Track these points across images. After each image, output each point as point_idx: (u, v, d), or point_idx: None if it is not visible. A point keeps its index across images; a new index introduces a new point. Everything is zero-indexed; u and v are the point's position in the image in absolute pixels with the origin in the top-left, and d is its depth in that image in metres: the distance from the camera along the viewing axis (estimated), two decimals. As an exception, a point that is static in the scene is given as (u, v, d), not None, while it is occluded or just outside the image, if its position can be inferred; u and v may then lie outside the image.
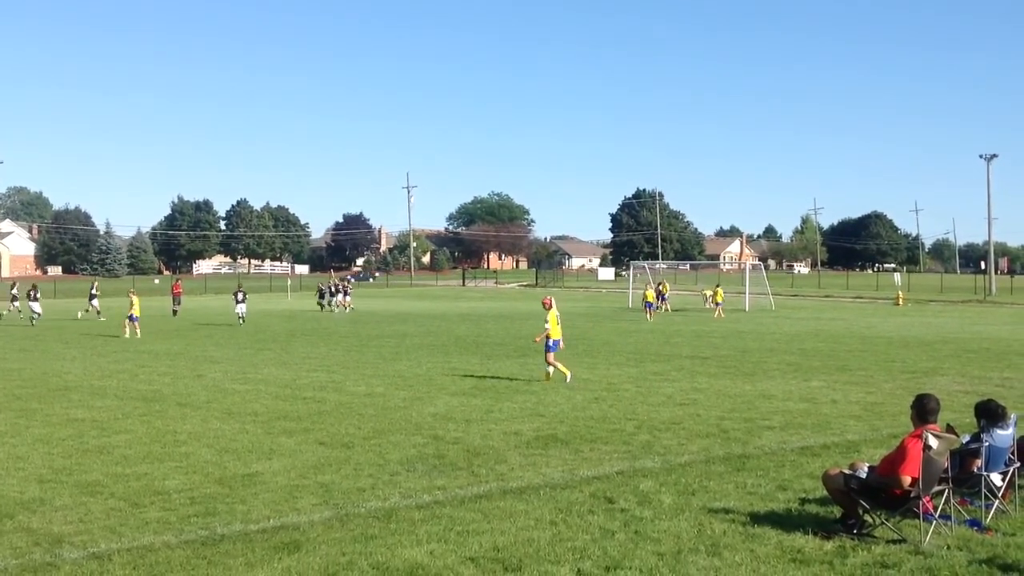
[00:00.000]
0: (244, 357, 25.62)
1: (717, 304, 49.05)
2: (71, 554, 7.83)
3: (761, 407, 15.99)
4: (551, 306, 20.28)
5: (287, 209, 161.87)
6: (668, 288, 56.27)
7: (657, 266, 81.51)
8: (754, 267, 71.04)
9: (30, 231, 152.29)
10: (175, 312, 49.03)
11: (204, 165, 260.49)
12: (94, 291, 46.61)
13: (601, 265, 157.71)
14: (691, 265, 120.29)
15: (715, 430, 13.69)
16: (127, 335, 33.18)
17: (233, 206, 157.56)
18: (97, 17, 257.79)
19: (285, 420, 14.74)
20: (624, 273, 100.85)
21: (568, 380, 19.11)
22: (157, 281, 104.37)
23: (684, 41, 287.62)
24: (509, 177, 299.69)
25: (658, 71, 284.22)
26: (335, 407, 16.10)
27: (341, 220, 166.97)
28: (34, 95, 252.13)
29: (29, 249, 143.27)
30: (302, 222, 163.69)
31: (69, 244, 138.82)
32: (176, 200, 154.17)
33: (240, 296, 42.86)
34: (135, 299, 34.69)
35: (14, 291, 47.20)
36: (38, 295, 43.64)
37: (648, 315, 45.96)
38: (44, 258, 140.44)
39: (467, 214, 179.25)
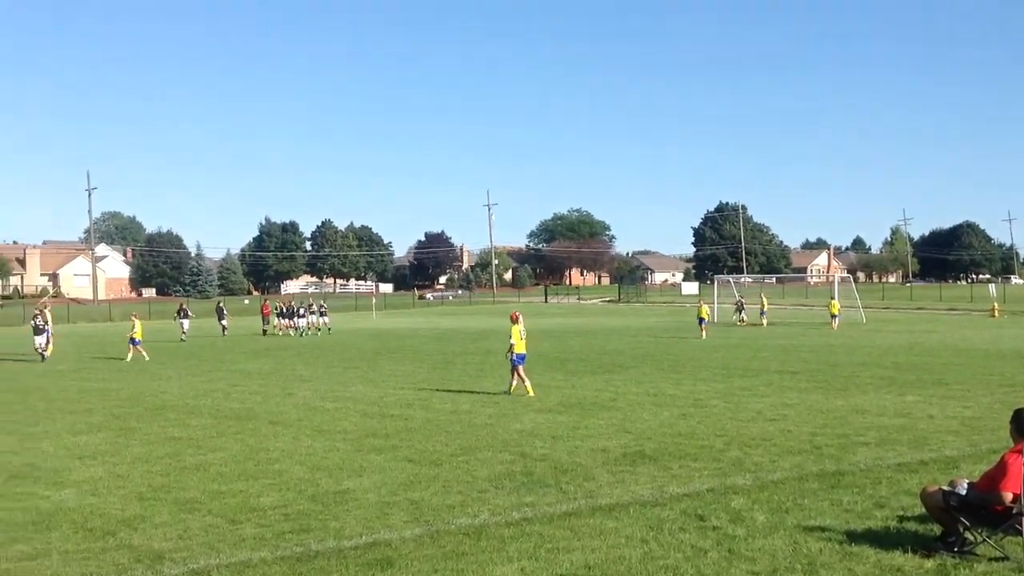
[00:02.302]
0: (332, 376, 25.99)
1: (833, 316, 48.41)
2: (171, 570, 8.01)
3: (855, 422, 15.68)
4: (517, 321, 20.55)
5: (370, 229, 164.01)
6: (767, 303, 54.98)
7: (742, 280, 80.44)
8: (843, 279, 69.72)
9: (125, 254, 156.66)
10: (264, 332, 50.06)
11: (290, 187, 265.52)
12: (186, 310, 48.00)
13: (684, 279, 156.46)
14: (777, 278, 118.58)
15: (808, 446, 13.45)
16: (129, 358, 33.54)
17: (318, 227, 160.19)
18: (186, 48, 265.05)
19: (374, 438, 14.90)
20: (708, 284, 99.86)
21: (531, 393, 19.83)
22: (247, 301, 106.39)
23: (765, 51, 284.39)
24: (589, 193, 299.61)
25: (740, 82, 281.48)
26: (422, 424, 16.22)
27: (423, 238, 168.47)
28: (126, 124, 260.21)
29: (124, 272, 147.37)
30: (385, 241, 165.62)
31: (162, 267, 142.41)
32: (264, 222, 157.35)
33: (184, 312, 43.96)
34: (137, 323, 35.43)
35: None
36: (189, 313, 47.18)
37: (702, 332, 42.82)
38: (138, 280, 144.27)
39: (548, 231, 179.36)
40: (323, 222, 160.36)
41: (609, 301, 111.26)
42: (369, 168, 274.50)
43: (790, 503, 9.96)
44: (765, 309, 53.54)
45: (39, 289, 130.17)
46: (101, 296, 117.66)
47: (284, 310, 52.82)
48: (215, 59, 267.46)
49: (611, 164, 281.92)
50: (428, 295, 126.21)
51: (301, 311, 51.64)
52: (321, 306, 54.00)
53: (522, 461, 12.67)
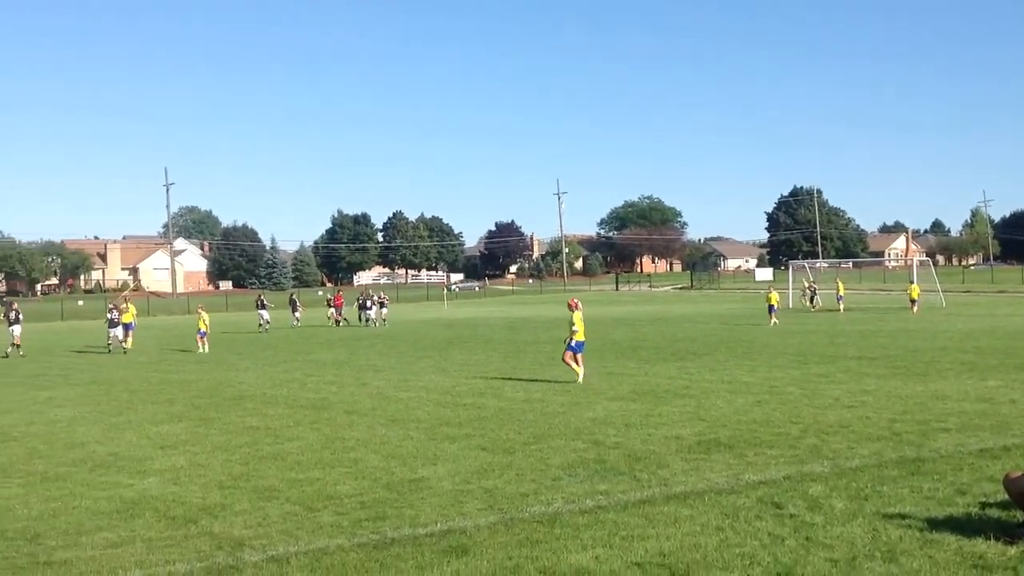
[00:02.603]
0: (405, 365, 26.20)
1: (913, 301, 47.50)
2: (251, 557, 8.16)
3: (935, 408, 15.34)
4: (578, 307, 20.60)
5: (441, 219, 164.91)
6: (844, 287, 53.91)
7: (817, 265, 79.13)
8: (921, 263, 68.20)
9: (202, 248, 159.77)
10: (338, 322, 50.63)
11: (362, 180, 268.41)
12: (265, 301, 48.83)
13: (758, 265, 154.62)
14: (854, 263, 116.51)
15: (886, 433, 13.20)
16: (200, 350, 34.19)
17: (390, 218, 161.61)
18: (260, 45, 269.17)
19: (447, 426, 15.00)
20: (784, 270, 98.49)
21: (579, 380, 19.88)
22: (320, 292, 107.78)
23: (837, 34, 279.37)
24: (659, 180, 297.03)
25: (812, 65, 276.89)
26: (495, 413, 16.28)
27: (494, 228, 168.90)
28: (202, 120, 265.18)
29: (201, 265, 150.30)
30: (456, 231, 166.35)
31: (238, 259, 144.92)
32: (336, 214, 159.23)
33: (263, 303, 44.43)
34: (204, 315, 36.02)
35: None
36: (268, 304, 47.99)
37: (771, 319, 41.26)
38: (215, 273, 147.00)
39: (618, 218, 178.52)
40: (394, 213, 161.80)
41: (681, 288, 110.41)
42: (440, 159, 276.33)
43: (869, 490, 9.79)
44: (842, 294, 52.50)
45: (120, 283, 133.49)
46: (180, 289, 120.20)
47: (330, 301, 53.54)
48: (287, 55, 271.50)
49: (682, 150, 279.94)
50: (454, 287, 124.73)
51: (368, 303, 51.61)
52: (382, 297, 53.24)
53: (595, 449, 12.65)
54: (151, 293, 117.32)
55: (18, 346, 35.46)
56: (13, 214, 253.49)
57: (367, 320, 50.54)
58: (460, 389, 19.89)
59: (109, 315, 37.42)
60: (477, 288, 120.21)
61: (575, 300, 21.28)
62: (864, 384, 18.74)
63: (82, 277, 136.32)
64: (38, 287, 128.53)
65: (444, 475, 11.31)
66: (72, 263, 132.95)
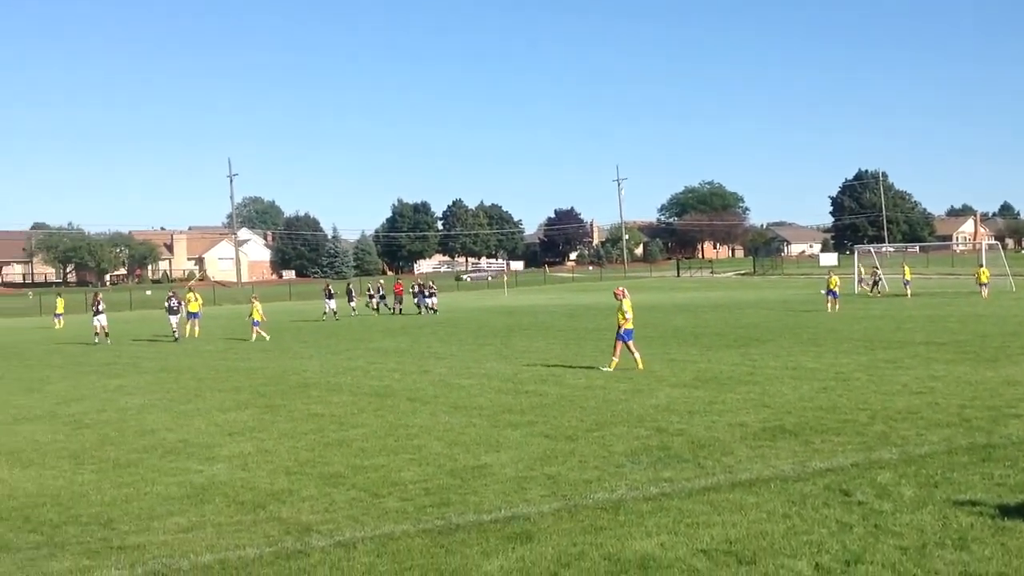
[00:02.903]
0: (466, 352, 26.30)
1: (982, 285, 46.53)
2: (319, 542, 8.26)
3: (1006, 394, 15.02)
4: (627, 296, 20.58)
5: (500, 207, 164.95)
6: (910, 272, 52.87)
7: (883, 249, 77.76)
8: (990, 246, 66.78)
9: (265, 238, 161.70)
10: (399, 311, 50.98)
11: (421, 169, 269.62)
12: (332, 291, 49.49)
13: (822, 250, 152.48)
14: (920, 247, 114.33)
15: (956, 419, 12.96)
16: (256, 339, 34.55)
17: (449, 206, 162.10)
18: (320, 37, 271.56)
19: (509, 413, 15.03)
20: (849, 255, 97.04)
21: (609, 369, 19.89)
22: (382, 281, 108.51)
23: (902, 16, 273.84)
24: (721, 165, 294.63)
25: (876, 47, 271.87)
26: (557, 400, 16.28)
27: (553, 215, 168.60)
28: (264, 111, 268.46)
29: (265, 255, 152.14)
30: (515, 219, 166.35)
31: (300, 249, 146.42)
32: (396, 203, 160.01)
33: (329, 293, 42.49)
34: (258, 305, 36.30)
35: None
36: (333, 293, 48.69)
37: (829, 305, 40.00)
38: (279, 263, 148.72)
39: (679, 204, 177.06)
40: (454, 202, 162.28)
41: (744, 274, 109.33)
42: (498, 147, 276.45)
43: (939, 477, 9.63)
44: (908, 279, 51.54)
45: (186, 273, 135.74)
46: (244, 279, 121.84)
47: (368, 290, 54.25)
48: (349, 45, 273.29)
49: (744, 135, 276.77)
50: (466, 277, 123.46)
51: (426, 291, 51.74)
52: (431, 287, 52.65)
53: (658, 436, 12.59)
54: (216, 282, 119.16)
55: (107, 334, 36.73)
56: (83, 206, 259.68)
57: (424, 308, 50.91)
58: (522, 376, 19.92)
59: (168, 303, 38.23)
60: (490, 279, 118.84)
61: (622, 289, 21.25)
62: (933, 370, 18.41)
63: (149, 267, 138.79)
64: (107, 277, 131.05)
65: (507, 462, 11.35)
66: (140, 254, 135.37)
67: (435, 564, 7.50)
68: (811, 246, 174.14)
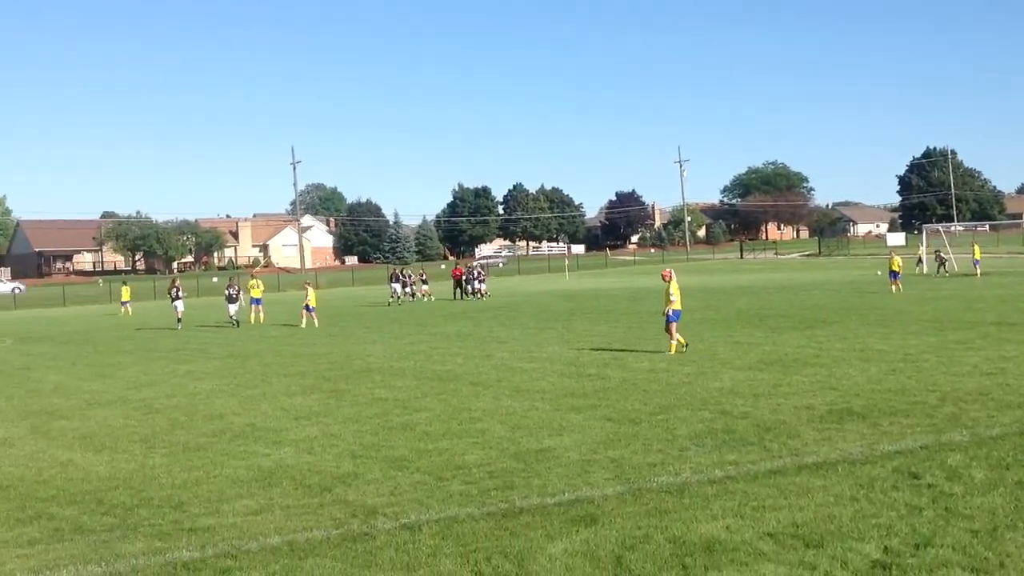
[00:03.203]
0: (528, 337, 26.32)
1: None
2: (385, 524, 8.33)
3: (1082, 376, 14.64)
4: (672, 277, 20.59)
5: (561, 191, 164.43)
6: (980, 251, 51.68)
7: (952, 228, 76.21)
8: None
9: (328, 224, 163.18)
10: (456, 296, 51.19)
11: (482, 153, 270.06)
12: (399, 276, 50.24)
13: (889, 230, 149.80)
14: (991, 226, 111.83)
15: (1029, 401, 12.67)
16: (306, 324, 34.80)
17: (510, 191, 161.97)
18: (380, 24, 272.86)
19: (572, 397, 15.01)
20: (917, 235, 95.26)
21: (672, 352, 19.93)
22: (443, 266, 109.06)
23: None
24: (785, 145, 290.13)
25: (943, 21, 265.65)
26: (619, 383, 16.22)
27: (614, 198, 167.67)
28: (326, 98, 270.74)
29: (328, 241, 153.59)
30: (576, 202, 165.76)
31: (363, 235, 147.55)
32: (457, 188, 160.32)
33: (176, 293, 39.57)
34: (311, 290, 36.55)
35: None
36: (400, 277, 49.79)
37: (893, 287, 39.11)
38: (341, 249, 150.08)
39: (742, 185, 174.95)
40: (514, 186, 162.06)
41: (808, 255, 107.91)
42: (559, 130, 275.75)
43: (1011, 459, 9.42)
44: (978, 258, 50.45)
45: (251, 260, 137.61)
46: (308, 265, 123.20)
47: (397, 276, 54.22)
48: (409, 32, 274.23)
49: (808, 113, 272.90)
50: (475, 265, 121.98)
51: (478, 275, 52.17)
52: (480, 273, 53.53)
53: (723, 419, 12.49)
54: (280, 269, 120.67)
55: (179, 320, 38.02)
56: (151, 195, 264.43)
57: (474, 293, 51.28)
58: (584, 360, 19.88)
59: (228, 291, 38.95)
60: (501, 264, 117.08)
61: (669, 270, 21.26)
62: (1004, 350, 18.01)
63: (215, 254, 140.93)
64: (174, 265, 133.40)
65: (570, 445, 11.34)
66: (206, 241, 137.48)
67: (500, 547, 7.52)
68: (877, 226, 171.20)
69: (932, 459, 9.63)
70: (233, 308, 37.78)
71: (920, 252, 54.58)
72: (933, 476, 8.95)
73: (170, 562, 7.57)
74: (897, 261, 40.75)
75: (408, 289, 50.96)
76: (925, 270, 53.63)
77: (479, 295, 51.02)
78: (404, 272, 52.93)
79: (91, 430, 14.26)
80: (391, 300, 48.23)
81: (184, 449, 12.42)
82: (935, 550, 6.92)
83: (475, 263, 57.18)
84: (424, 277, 54.65)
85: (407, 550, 7.58)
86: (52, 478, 11.07)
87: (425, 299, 51.43)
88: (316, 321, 35.20)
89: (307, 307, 35.81)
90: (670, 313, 20.31)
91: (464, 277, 52.77)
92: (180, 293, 39.15)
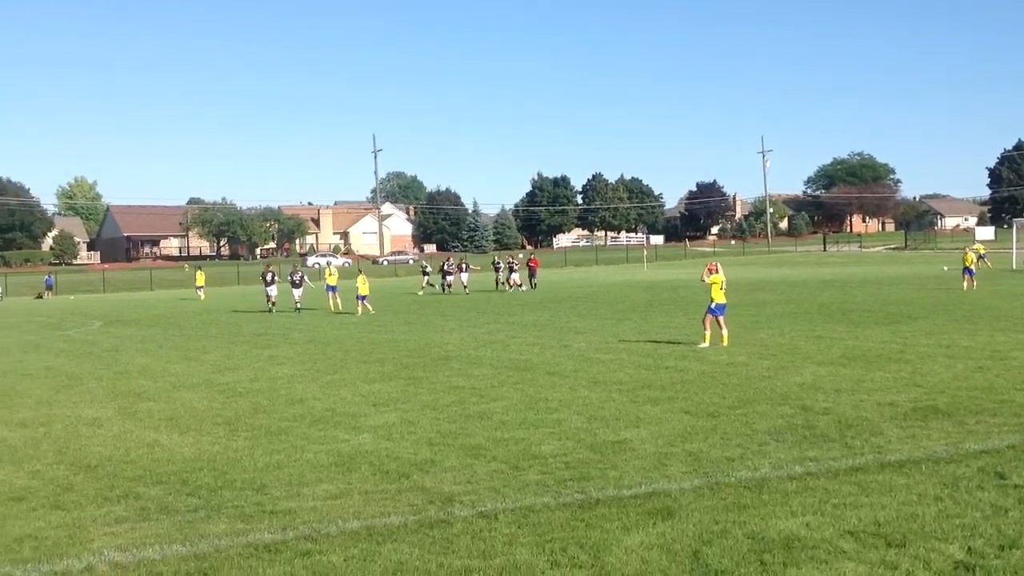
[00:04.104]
0: (606, 327, 26.24)
1: None
2: (461, 512, 8.40)
3: None
4: (718, 270, 20.79)
5: (641, 181, 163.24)
6: None
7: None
8: None
9: (407, 212, 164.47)
10: (534, 285, 51.16)
11: (561, 143, 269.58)
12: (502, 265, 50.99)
13: (978, 224, 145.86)
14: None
15: (1125, 402, 12.26)
16: (360, 312, 35.09)
17: (589, 180, 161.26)
18: (462, 13, 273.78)
19: (649, 389, 14.94)
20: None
21: (704, 346, 20.13)
22: (520, 255, 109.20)
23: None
24: (871, 135, 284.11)
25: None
26: (697, 376, 16.09)
27: (694, 188, 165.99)
28: (408, 87, 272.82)
29: (407, 229, 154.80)
30: (655, 193, 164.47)
31: (441, 223, 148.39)
32: (536, 177, 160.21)
33: (296, 279, 39.95)
34: (364, 279, 36.81)
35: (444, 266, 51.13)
36: (505, 264, 50.55)
37: (965, 283, 38.00)
38: (420, 237, 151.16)
39: (826, 176, 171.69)
40: (593, 175, 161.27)
41: (894, 248, 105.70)
42: (640, 120, 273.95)
43: (1104, 462, 9.14)
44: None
45: (331, 247, 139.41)
46: (387, 252, 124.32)
47: (431, 267, 54.14)
48: (487, 22, 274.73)
49: (896, 104, 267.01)
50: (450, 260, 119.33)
51: (513, 266, 50.42)
52: (511, 262, 51.34)
53: (803, 414, 12.32)
54: (360, 256, 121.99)
55: (273, 304, 39.14)
56: (236, 182, 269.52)
57: (444, 287, 49.63)
58: (661, 352, 19.76)
59: (291, 277, 39.86)
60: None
61: (715, 263, 21.54)
62: (1099, 350, 17.44)
63: (297, 241, 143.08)
64: (257, 251, 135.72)
65: (647, 437, 11.29)
66: (288, 228, 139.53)
67: (575, 537, 7.53)
68: (966, 219, 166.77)
69: (1019, 459, 9.40)
70: (297, 293, 38.87)
71: (980, 248, 52.98)
72: (1020, 476, 8.73)
73: (252, 543, 7.73)
74: (970, 257, 39.57)
75: (449, 278, 49.71)
76: (990, 264, 52.13)
77: (514, 287, 49.09)
78: (446, 261, 51.72)
79: (176, 412, 14.61)
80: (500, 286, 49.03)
81: (266, 433, 12.65)
82: (1021, 552, 6.76)
83: (449, 258, 53.73)
84: (464, 265, 51.20)
85: (483, 538, 7.63)
86: (139, 458, 11.36)
87: (465, 290, 49.12)
88: (371, 309, 35.65)
89: (359, 296, 36.10)
90: (712, 305, 20.68)
91: (443, 269, 50.63)
92: (275, 278, 40.29)
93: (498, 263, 52.91)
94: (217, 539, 7.90)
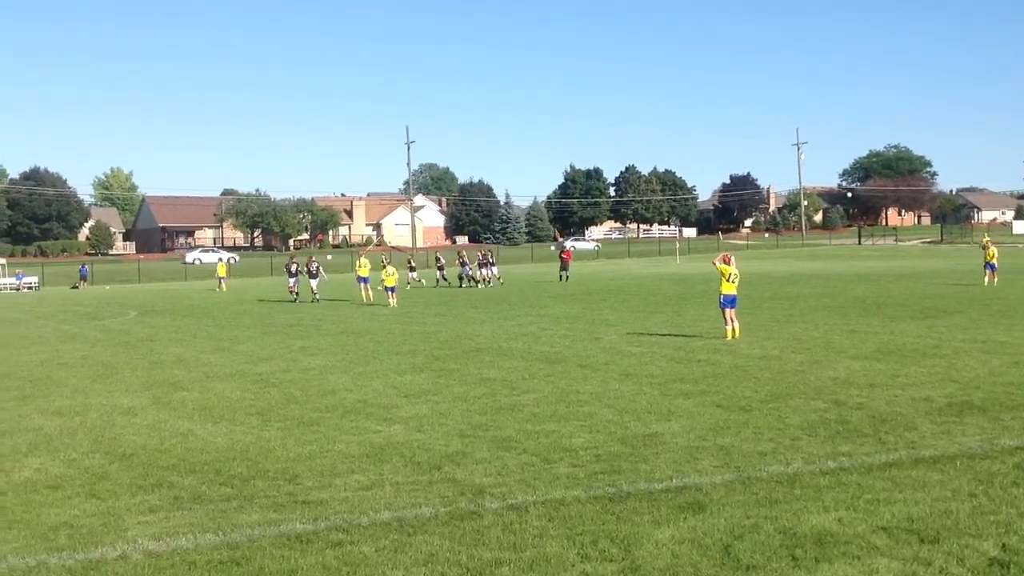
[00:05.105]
0: (637, 320, 26.17)
1: None
2: (492, 504, 8.41)
3: None
4: (730, 261, 21.02)
5: (674, 173, 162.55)
6: None
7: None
8: None
9: (439, 204, 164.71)
10: (566, 278, 51.12)
11: (594, 135, 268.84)
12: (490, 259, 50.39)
13: (1016, 217, 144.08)
14: None
15: None
16: (392, 303, 35.20)
17: (622, 172, 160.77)
18: (496, 7, 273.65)
19: (681, 382, 14.88)
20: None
21: (729, 338, 20.27)
22: (552, 247, 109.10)
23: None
24: (908, 128, 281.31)
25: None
26: (730, 370, 16.01)
27: (728, 181, 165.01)
28: (440, 78, 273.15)
29: (439, 221, 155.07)
30: (689, 185, 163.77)
31: (474, 215, 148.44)
32: (568, 169, 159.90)
33: (313, 268, 40.85)
34: (390, 270, 36.37)
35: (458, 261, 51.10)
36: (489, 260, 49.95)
37: (986, 278, 37.42)
38: (452, 228, 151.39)
39: (862, 169, 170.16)
40: (626, 168, 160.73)
41: (930, 242, 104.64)
42: (673, 112, 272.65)
43: None
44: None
45: (364, 238, 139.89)
46: (419, 244, 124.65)
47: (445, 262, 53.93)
48: (520, 14, 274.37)
49: (932, 96, 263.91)
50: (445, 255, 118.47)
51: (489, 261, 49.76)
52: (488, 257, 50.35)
53: (836, 409, 12.23)
54: (393, 247, 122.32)
55: (297, 295, 40.20)
56: (270, 174, 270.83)
57: (466, 280, 49.76)
58: (694, 345, 19.68)
59: (308, 267, 40.20)
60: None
61: (728, 255, 21.78)
62: None
63: (330, 232, 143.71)
64: (291, 242, 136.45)
65: (678, 431, 11.26)
66: (321, 219, 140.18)
67: (606, 530, 7.53)
68: (1003, 213, 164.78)
69: (1057, 457, 9.27)
70: (313, 283, 39.89)
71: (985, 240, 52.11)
72: (1058, 474, 8.62)
73: (284, 533, 7.79)
74: (992, 252, 38.71)
75: (467, 270, 49.64)
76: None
77: (485, 281, 48.50)
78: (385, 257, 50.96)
79: (210, 402, 14.72)
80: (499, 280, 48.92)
81: (298, 423, 12.73)
82: (1058, 551, 6.67)
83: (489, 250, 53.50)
84: (486, 259, 49.90)
85: (514, 530, 7.64)
86: (173, 448, 11.46)
87: (488, 284, 48.45)
88: (394, 301, 35.57)
89: (386, 288, 36.00)
90: (721, 298, 20.88)
91: (460, 262, 50.56)
92: (318, 270, 41.41)
93: (440, 260, 53.77)
94: (250, 529, 7.97)
